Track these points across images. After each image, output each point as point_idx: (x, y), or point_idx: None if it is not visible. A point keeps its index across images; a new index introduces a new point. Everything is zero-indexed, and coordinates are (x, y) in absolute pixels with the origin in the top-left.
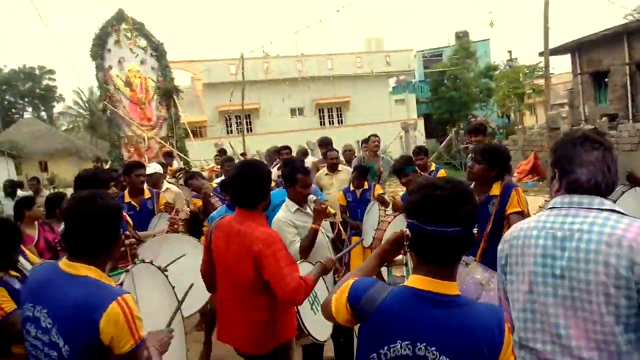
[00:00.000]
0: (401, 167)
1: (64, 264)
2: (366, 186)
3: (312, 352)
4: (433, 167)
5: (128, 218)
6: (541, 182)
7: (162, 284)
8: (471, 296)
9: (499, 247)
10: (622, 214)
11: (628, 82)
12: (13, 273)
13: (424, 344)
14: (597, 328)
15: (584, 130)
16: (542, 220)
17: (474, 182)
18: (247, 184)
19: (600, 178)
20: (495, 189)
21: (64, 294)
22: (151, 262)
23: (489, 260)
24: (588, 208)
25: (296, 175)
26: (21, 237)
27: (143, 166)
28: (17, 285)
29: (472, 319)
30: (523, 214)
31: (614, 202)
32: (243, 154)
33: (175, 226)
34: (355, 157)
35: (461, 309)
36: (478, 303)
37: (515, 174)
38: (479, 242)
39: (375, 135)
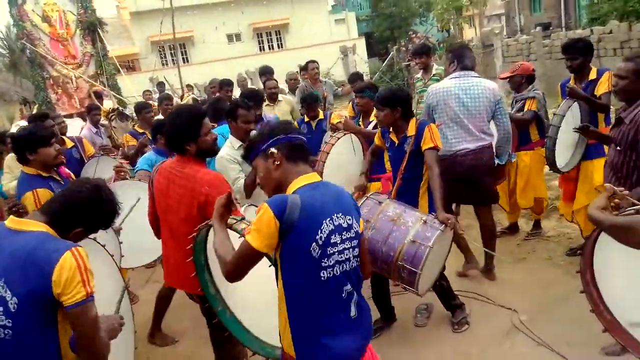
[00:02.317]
0: (364, 88)
1: (11, 221)
2: (321, 116)
3: None
4: None
5: (68, 171)
6: None
7: (104, 263)
8: (384, 232)
9: (428, 100)
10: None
11: None
12: None
13: (340, 213)
14: (481, 123)
15: (464, 43)
16: (453, 82)
17: (391, 128)
18: (171, 130)
19: (472, 64)
20: (411, 129)
21: (14, 247)
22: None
23: (404, 196)
24: (472, 76)
25: (237, 110)
26: None
27: (47, 116)
28: None
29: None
30: (437, 149)
31: (563, 116)
32: (189, 87)
33: (122, 173)
34: (298, 86)
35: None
36: None
37: None
38: (394, 179)
39: (313, 62)
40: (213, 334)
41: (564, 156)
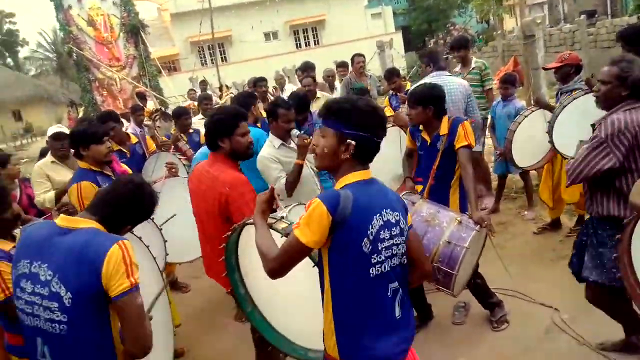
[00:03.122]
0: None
1: (62, 220)
2: None
3: None
4: (408, 86)
5: (126, 167)
6: (521, 87)
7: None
8: (418, 233)
9: None
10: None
11: None
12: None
13: (389, 209)
14: (457, 113)
15: (434, 47)
16: (431, 81)
17: (421, 125)
18: (210, 123)
19: (445, 65)
20: (444, 127)
21: (66, 244)
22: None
23: (435, 195)
24: (446, 75)
25: (277, 110)
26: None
27: (115, 118)
28: None
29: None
30: (470, 147)
31: (564, 107)
32: (227, 87)
33: (174, 170)
34: (342, 80)
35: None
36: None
37: (495, 81)
38: (427, 179)
39: (360, 55)
40: (254, 331)
41: None
